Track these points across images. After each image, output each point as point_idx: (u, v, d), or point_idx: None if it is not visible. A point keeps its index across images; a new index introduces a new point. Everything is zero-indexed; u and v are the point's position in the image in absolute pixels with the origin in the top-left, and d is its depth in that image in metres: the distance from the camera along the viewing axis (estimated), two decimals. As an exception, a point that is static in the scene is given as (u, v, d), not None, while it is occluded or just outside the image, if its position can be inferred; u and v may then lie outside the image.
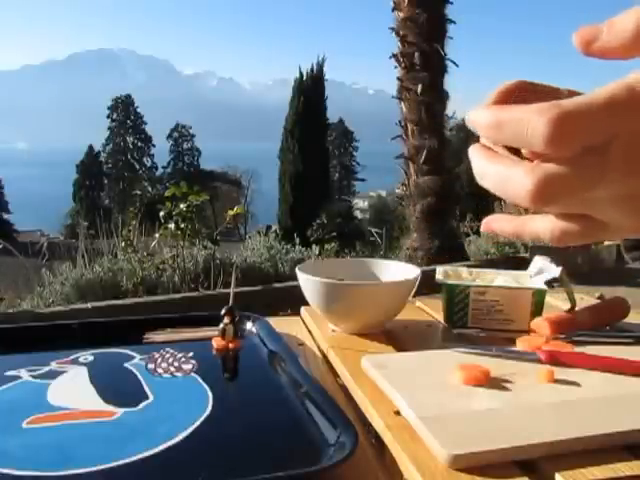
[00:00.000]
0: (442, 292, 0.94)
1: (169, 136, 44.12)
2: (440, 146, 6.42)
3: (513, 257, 5.79)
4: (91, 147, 41.18)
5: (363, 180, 43.26)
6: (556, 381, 0.68)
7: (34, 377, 0.74)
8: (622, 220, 0.32)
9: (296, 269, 0.92)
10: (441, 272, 0.98)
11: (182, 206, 4.33)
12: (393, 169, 7.26)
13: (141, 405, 0.66)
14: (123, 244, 4.54)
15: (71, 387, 0.72)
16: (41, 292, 4.12)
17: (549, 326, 0.84)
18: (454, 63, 6.53)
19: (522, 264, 1.13)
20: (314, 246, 5.43)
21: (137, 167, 42.88)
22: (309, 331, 0.97)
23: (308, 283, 0.89)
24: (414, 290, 0.91)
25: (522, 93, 0.34)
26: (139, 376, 0.75)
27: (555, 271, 0.90)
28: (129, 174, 41.72)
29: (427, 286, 0.99)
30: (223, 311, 0.87)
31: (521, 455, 0.54)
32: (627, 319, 0.92)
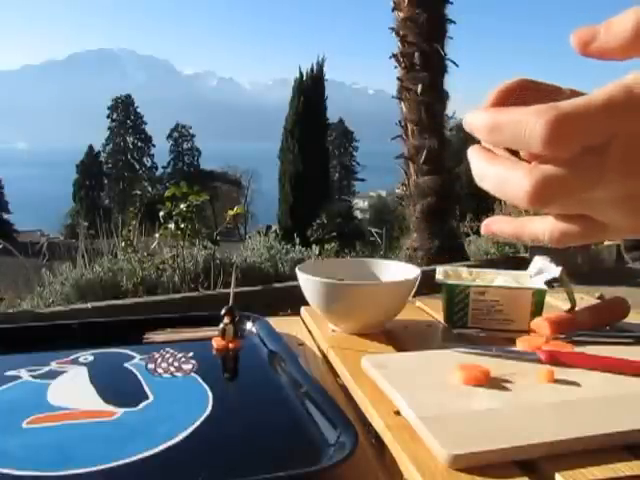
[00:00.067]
0: (442, 292, 0.94)
1: (169, 136, 44.13)
2: (440, 146, 6.42)
3: (513, 257, 5.79)
4: (91, 147, 41.18)
5: (363, 180, 43.26)
6: (556, 381, 0.68)
7: (34, 377, 0.74)
8: (621, 220, 0.32)
9: (296, 269, 0.92)
10: (441, 272, 0.98)
11: (182, 206, 4.32)
12: (393, 169, 7.26)
13: (141, 405, 0.66)
14: (123, 244, 4.54)
15: (71, 387, 0.72)
16: (41, 292, 4.12)
17: (549, 326, 0.84)
18: (454, 63, 6.54)
19: (522, 264, 1.13)
20: (314, 246, 5.43)
21: (137, 167, 42.88)
22: (309, 331, 0.97)
23: (308, 283, 0.89)
24: (414, 290, 0.91)
25: (523, 92, 0.34)
26: (139, 376, 0.75)
27: (555, 271, 0.90)
28: (129, 174, 41.72)
29: (427, 286, 0.99)
30: (223, 311, 0.87)
31: (521, 455, 0.54)
32: (627, 319, 0.92)
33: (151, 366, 0.78)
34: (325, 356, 0.86)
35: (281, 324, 0.94)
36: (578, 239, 0.34)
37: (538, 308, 0.91)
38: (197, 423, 0.62)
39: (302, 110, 20.62)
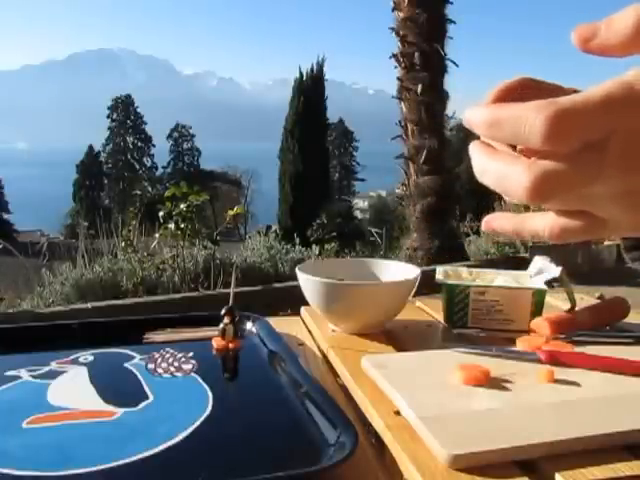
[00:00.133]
0: (442, 292, 0.94)
1: (169, 136, 44.13)
2: (440, 146, 6.42)
3: (513, 257, 5.79)
4: (91, 147, 41.19)
5: (363, 180, 43.26)
6: (556, 381, 0.68)
7: (34, 377, 0.74)
8: (621, 216, 0.32)
9: (296, 269, 0.92)
10: (441, 272, 0.98)
11: (182, 206, 4.33)
12: (393, 169, 7.26)
13: (141, 405, 0.66)
14: (123, 244, 4.54)
15: (71, 387, 0.72)
16: (41, 292, 4.13)
17: (549, 326, 0.84)
18: (454, 63, 6.54)
19: (522, 264, 1.13)
20: (314, 246, 5.43)
21: (137, 167, 42.88)
22: (309, 331, 0.97)
23: (308, 283, 0.89)
24: (414, 290, 0.91)
25: (524, 91, 0.34)
26: (139, 376, 0.75)
27: (555, 271, 0.90)
28: (129, 174, 41.73)
29: (427, 286, 0.99)
30: (223, 311, 0.87)
31: (521, 455, 0.54)
32: (627, 319, 0.92)
33: (151, 366, 0.78)
34: (325, 356, 0.86)
35: (281, 324, 0.94)
36: (578, 235, 0.34)
37: (538, 308, 0.91)
38: (197, 423, 0.62)
39: (302, 110, 20.62)
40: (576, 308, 0.91)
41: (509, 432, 0.56)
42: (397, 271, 0.97)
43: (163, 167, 43.76)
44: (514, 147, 0.33)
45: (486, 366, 0.69)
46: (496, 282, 0.96)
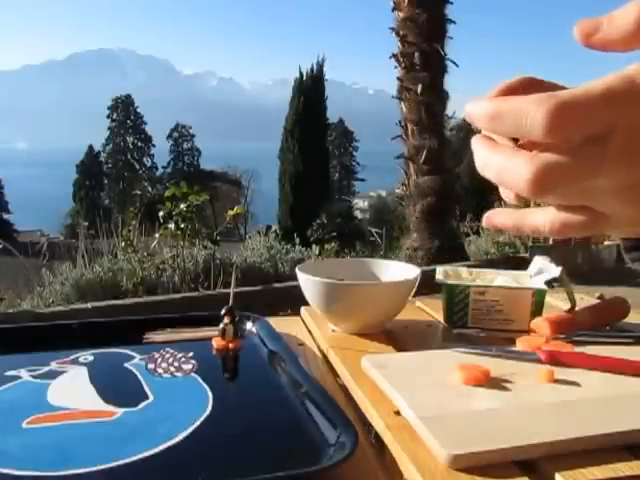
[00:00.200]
0: (442, 292, 0.94)
1: (169, 136, 44.13)
2: (440, 146, 6.42)
3: (513, 257, 5.79)
4: (91, 147, 41.19)
5: (363, 180, 43.26)
6: (556, 381, 0.68)
7: (34, 377, 0.74)
8: (622, 210, 0.32)
9: (296, 269, 0.92)
10: (441, 272, 0.98)
11: (182, 206, 4.33)
12: (393, 169, 7.26)
13: (141, 405, 0.66)
14: (123, 244, 4.54)
15: (71, 387, 0.72)
16: (41, 292, 4.13)
17: (549, 326, 0.84)
18: (454, 63, 6.54)
19: (522, 264, 1.13)
20: (314, 246, 5.43)
21: (137, 167, 42.89)
22: (309, 331, 0.97)
23: (308, 283, 0.89)
24: (414, 290, 0.91)
25: (526, 90, 0.34)
26: (139, 376, 0.75)
27: (555, 271, 0.90)
28: (129, 174, 41.73)
29: (427, 286, 0.99)
30: (223, 311, 0.87)
31: (521, 455, 0.54)
32: (627, 319, 0.92)
33: (151, 366, 0.78)
34: (325, 356, 0.86)
35: (281, 324, 0.94)
36: (579, 230, 0.33)
37: (538, 308, 0.91)
38: (197, 423, 0.62)
39: (302, 110, 20.61)
40: (576, 308, 0.91)
41: (509, 432, 0.56)
42: (397, 271, 0.97)
43: (163, 167, 43.77)
44: (515, 143, 0.33)
45: (486, 366, 0.69)
46: (496, 282, 0.96)
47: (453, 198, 6.88)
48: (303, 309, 1.04)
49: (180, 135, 44.03)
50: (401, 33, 6.44)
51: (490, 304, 0.91)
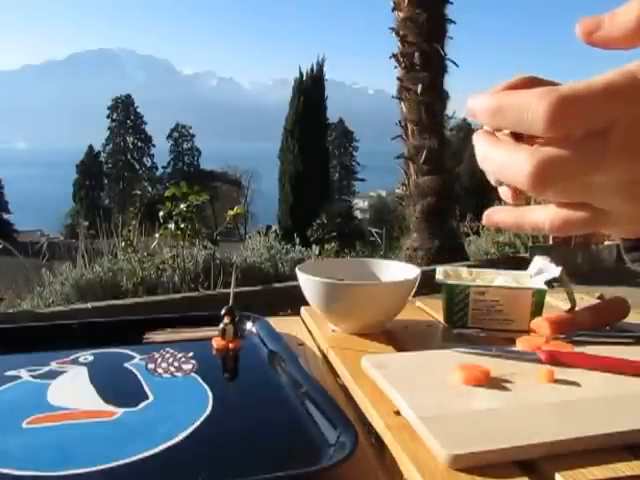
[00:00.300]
0: (442, 292, 0.94)
1: (169, 136, 44.14)
2: (440, 146, 6.42)
3: (513, 257, 5.79)
4: (91, 147, 41.20)
5: (363, 180, 43.27)
6: (556, 381, 0.68)
7: (34, 377, 0.74)
8: (622, 207, 0.32)
9: (296, 269, 0.92)
10: (441, 272, 0.98)
11: (182, 206, 4.33)
12: (393, 169, 7.26)
13: (141, 405, 0.66)
14: (123, 244, 4.54)
15: (71, 387, 0.72)
16: (41, 292, 4.13)
17: (549, 326, 0.84)
18: (454, 63, 6.54)
19: (522, 264, 1.13)
20: (314, 246, 5.43)
21: (137, 167, 42.89)
22: (309, 331, 0.97)
23: (308, 283, 0.89)
24: (414, 290, 0.91)
25: (527, 88, 0.34)
26: (139, 376, 0.75)
27: (555, 271, 0.90)
28: (129, 174, 41.74)
29: (427, 286, 0.99)
30: (223, 311, 0.87)
31: (521, 455, 0.54)
32: (627, 319, 0.92)
33: (151, 366, 0.78)
34: (325, 356, 0.86)
35: (281, 324, 0.94)
36: (579, 227, 0.33)
37: (538, 308, 0.91)
38: (197, 423, 0.62)
39: (302, 110, 20.61)
40: (576, 308, 0.91)
41: (509, 432, 0.56)
42: (397, 271, 0.97)
43: (163, 167, 43.78)
44: (517, 139, 0.34)
45: (486, 366, 0.69)
46: (496, 282, 0.96)
47: (453, 198, 6.88)
48: (303, 309, 1.04)
49: (180, 135, 44.04)
50: (401, 33, 6.44)
51: (490, 304, 0.91)
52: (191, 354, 0.82)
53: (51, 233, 22.41)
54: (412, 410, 0.60)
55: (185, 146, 43.81)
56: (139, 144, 43.21)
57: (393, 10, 6.56)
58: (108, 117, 43.46)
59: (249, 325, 0.93)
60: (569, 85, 0.29)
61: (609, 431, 0.56)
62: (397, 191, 8.24)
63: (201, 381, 0.73)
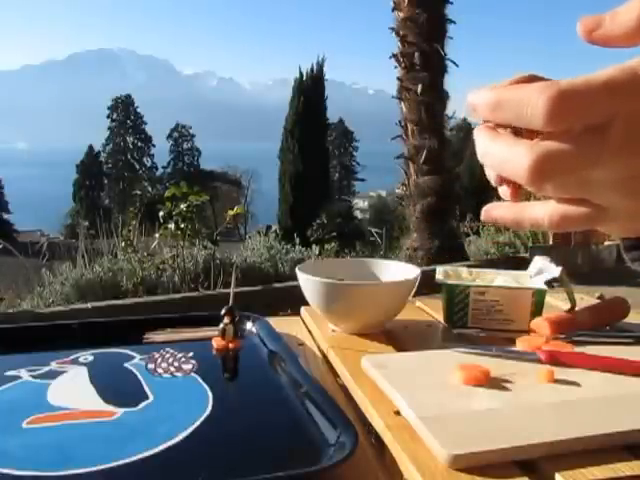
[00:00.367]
0: (442, 292, 0.94)
1: (169, 136, 44.14)
2: (440, 146, 6.42)
3: (513, 257, 5.79)
4: (91, 147, 41.20)
5: (363, 180, 43.27)
6: (556, 381, 0.68)
7: (34, 377, 0.74)
8: (621, 203, 0.32)
9: (296, 269, 0.92)
10: (441, 272, 0.98)
11: (182, 206, 4.33)
12: (393, 169, 7.26)
13: (141, 405, 0.66)
14: (123, 244, 4.54)
15: (71, 387, 0.72)
16: (41, 292, 4.13)
17: (549, 326, 0.84)
18: (454, 63, 6.53)
19: (522, 264, 1.13)
20: (314, 246, 5.43)
21: (137, 167, 42.90)
22: (309, 331, 0.97)
23: (308, 283, 0.89)
24: (414, 290, 0.91)
25: None
26: (139, 376, 0.75)
27: (555, 271, 0.90)
28: (129, 174, 41.74)
29: (427, 286, 0.99)
30: (223, 311, 0.87)
31: (521, 455, 0.54)
32: (627, 319, 0.92)
33: (151, 366, 0.78)
34: (325, 356, 0.86)
35: (281, 324, 0.94)
36: (578, 224, 0.33)
37: (538, 308, 0.91)
38: (197, 423, 0.62)
39: (302, 110, 20.61)
40: (576, 308, 0.91)
41: (509, 432, 0.56)
42: (397, 271, 0.97)
43: (163, 167, 43.78)
44: (518, 135, 0.34)
45: (486, 366, 0.69)
46: (496, 282, 0.96)
47: (453, 198, 6.87)
48: (303, 309, 1.04)
49: (180, 135, 44.04)
50: (401, 33, 6.44)
51: (490, 304, 0.91)
52: (191, 354, 0.82)
53: (51, 233, 22.41)
54: (412, 410, 0.60)
55: (185, 146, 43.82)
56: (139, 144, 43.21)
57: (393, 10, 6.56)
58: (108, 117, 43.47)
59: (249, 325, 0.93)
60: (569, 80, 0.30)
61: (609, 431, 0.56)
62: (397, 191, 8.24)
63: (201, 381, 0.73)
